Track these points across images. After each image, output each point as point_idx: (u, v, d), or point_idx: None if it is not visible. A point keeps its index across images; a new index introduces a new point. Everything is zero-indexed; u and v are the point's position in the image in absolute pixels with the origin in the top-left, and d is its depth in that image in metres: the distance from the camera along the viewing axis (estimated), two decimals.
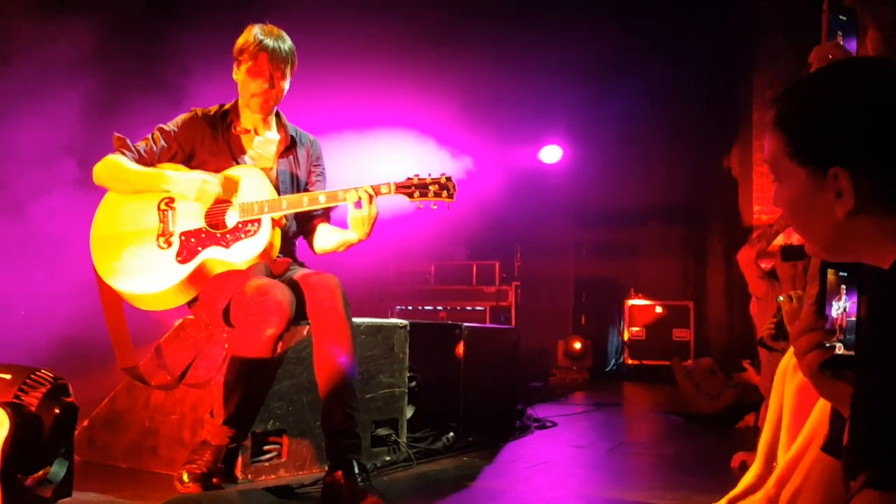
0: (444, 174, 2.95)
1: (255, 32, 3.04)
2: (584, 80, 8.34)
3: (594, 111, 8.60)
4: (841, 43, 2.42)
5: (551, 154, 9.06)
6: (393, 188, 2.91)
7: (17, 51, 4.26)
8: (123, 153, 2.98)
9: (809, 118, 1.21)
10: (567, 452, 3.99)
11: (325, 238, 3.15)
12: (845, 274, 1.18)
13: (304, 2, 5.58)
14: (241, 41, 3.05)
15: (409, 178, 2.93)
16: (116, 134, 3.01)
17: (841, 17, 2.42)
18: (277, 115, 3.21)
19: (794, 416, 2.45)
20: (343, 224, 3.11)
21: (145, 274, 2.91)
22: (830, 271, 1.19)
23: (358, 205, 2.87)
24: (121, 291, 2.93)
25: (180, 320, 3.20)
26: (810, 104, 1.23)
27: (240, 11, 3.13)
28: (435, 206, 2.92)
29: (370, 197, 2.86)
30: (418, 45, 6.66)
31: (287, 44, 3.08)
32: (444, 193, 2.91)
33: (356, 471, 2.69)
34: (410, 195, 2.91)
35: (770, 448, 2.71)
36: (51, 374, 2.21)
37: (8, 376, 2.13)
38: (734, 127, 8.71)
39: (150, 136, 3.05)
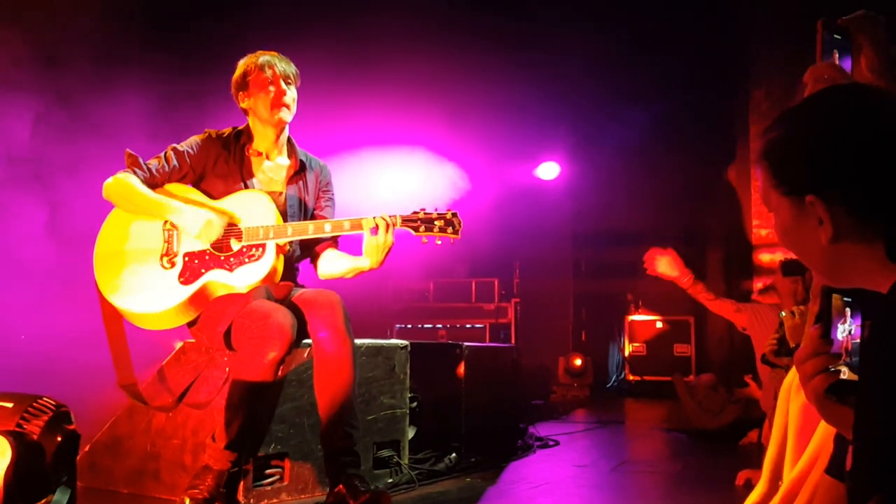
0: (450, 210, 2.95)
1: (254, 58, 3.09)
2: (580, 97, 8.37)
3: (590, 128, 8.63)
4: (837, 62, 2.43)
5: (548, 171, 9.08)
6: (399, 221, 2.91)
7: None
8: (135, 171, 2.98)
9: (786, 149, 1.26)
10: (570, 472, 3.97)
11: (333, 263, 3.15)
12: (849, 299, 1.18)
13: (301, 24, 5.63)
14: (240, 70, 3.11)
15: (415, 213, 2.94)
16: (128, 150, 3.02)
17: (836, 36, 2.43)
18: (289, 140, 3.22)
19: (799, 434, 2.44)
20: (350, 249, 3.13)
21: (146, 293, 2.90)
22: (835, 296, 1.19)
23: (374, 231, 2.88)
24: (121, 309, 2.92)
25: (181, 343, 3.19)
26: (787, 136, 1.27)
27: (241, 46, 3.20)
28: (440, 242, 2.93)
29: (387, 226, 2.87)
30: (416, 61, 6.70)
31: (291, 64, 3.13)
32: (450, 229, 2.92)
33: (356, 482, 2.69)
34: (416, 229, 2.92)
35: (775, 466, 2.70)
36: (52, 402, 2.20)
37: (10, 404, 2.12)
38: (732, 143, 8.73)
39: (162, 154, 3.05)
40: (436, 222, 2.92)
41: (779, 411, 2.71)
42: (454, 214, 2.94)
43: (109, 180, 2.97)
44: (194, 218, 2.90)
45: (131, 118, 4.51)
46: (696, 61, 8.16)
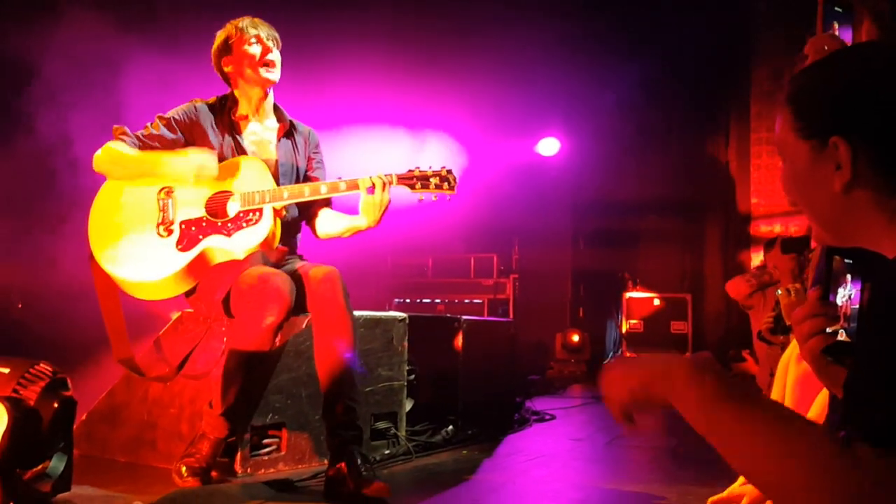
0: (444, 167, 3.02)
1: (235, 23, 3.12)
2: (581, 73, 8.32)
3: (591, 104, 8.58)
4: (837, 34, 2.41)
5: (549, 147, 9.04)
6: (395, 179, 2.96)
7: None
8: (123, 140, 2.98)
9: (815, 91, 1.22)
10: (565, 445, 4.00)
11: (331, 223, 3.17)
12: (850, 261, 1.17)
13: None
14: (221, 36, 3.14)
15: (410, 171, 3.00)
16: (115, 125, 3.03)
17: (837, 8, 2.41)
18: (275, 106, 3.23)
19: (795, 407, 2.45)
20: (347, 209, 3.14)
21: (145, 261, 2.89)
22: (836, 258, 1.17)
23: (370, 191, 2.93)
24: (119, 279, 2.91)
25: (178, 314, 3.19)
26: (817, 79, 1.24)
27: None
28: (436, 198, 3.00)
29: (384, 185, 2.93)
30: (414, 38, 6.65)
31: (273, 28, 3.16)
32: (446, 185, 2.99)
33: (359, 461, 2.69)
34: (412, 186, 2.98)
35: None
36: (50, 368, 2.21)
37: (6, 370, 2.12)
38: (732, 119, 8.71)
39: (149, 124, 3.06)
40: (431, 179, 2.99)
41: (775, 387, 2.71)
42: (449, 171, 3.01)
43: (98, 152, 2.98)
44: (186, 164, 2.91)
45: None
46: (698, 37, 8.10)
